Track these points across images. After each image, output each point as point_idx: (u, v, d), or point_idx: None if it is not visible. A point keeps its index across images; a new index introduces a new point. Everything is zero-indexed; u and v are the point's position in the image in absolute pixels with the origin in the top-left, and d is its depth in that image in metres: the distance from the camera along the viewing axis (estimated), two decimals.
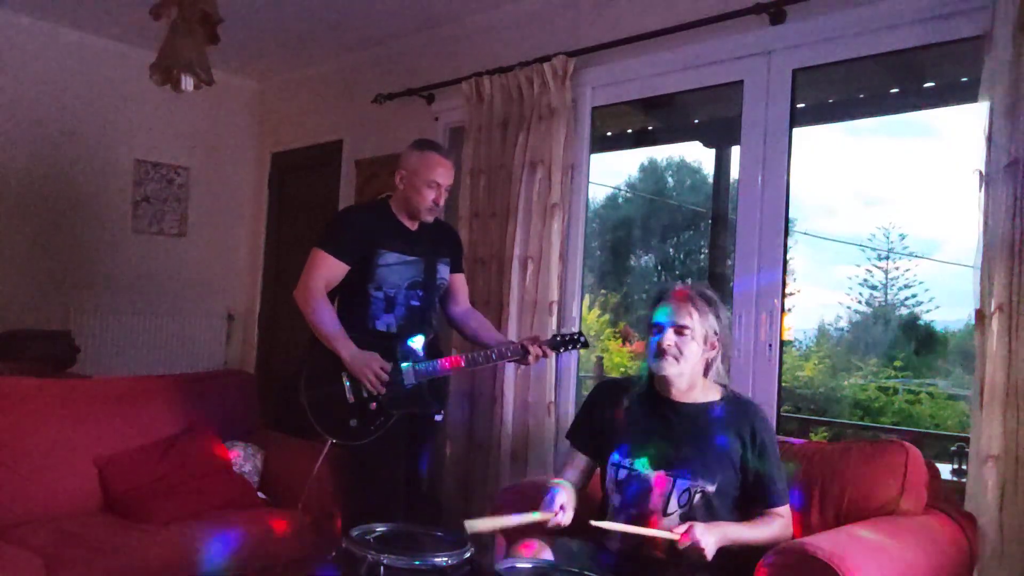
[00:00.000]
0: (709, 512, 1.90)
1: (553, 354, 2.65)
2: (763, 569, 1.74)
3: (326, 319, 2.48)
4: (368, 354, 2.44)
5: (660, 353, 1.99)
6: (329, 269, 2.52)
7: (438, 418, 2.72)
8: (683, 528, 1.80)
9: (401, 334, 2.56)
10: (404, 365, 2.49)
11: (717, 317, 2.02)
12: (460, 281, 2.83)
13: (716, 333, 2.01)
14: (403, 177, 2.61)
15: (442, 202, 2.62)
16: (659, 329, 2.01)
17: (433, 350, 2.62)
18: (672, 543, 1.81)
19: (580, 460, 2.14)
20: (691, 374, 2.01)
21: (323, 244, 2.54)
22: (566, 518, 1.93)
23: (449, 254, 2.74)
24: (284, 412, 3.73)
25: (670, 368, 1.99)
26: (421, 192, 2.57)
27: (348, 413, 2.47)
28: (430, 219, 2.65)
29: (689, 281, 2.14)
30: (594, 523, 1.87)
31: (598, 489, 2.15)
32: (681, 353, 1.98)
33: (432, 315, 2.69)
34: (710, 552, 1.77)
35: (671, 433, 1.98)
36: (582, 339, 2.59)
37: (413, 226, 2.65)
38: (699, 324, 1.99)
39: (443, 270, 2.70)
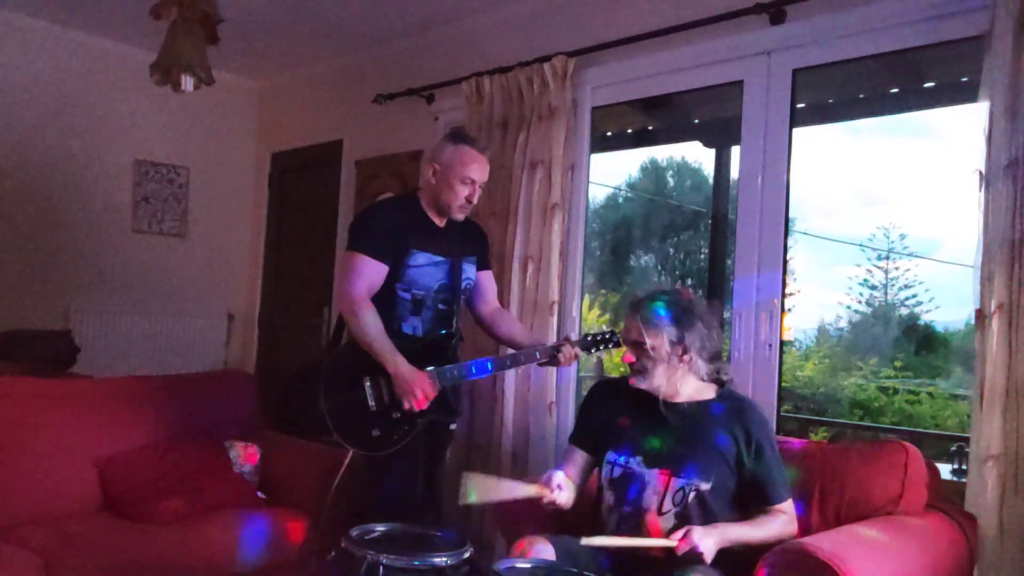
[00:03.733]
0: (704, 510, 1.90)
1: (584, 355, 2.53)
2: (763, 569, 1.74)
3: (373, 329, 2.33)
4: (418, 374, 2.32)
5: (628, 367, 2.01)
6: (370, 272, 2.38)
7: (453, 427, 2.63)
8: (680, 534, 1.79)
9: (428, 337, 2.47)
10: (430, 370, 2.37)
11: (677, 324, 1.95)
12: (488, 279, 2.71)
13: (679, 342, 1.95)
14: (436, 171, 2.48)
15: (475, 200, 2.51)
16: (623, 341, 2.03)
17: (456, 354, 2.54)
18: (671, 548, 1.81)
19: (578, 457, 2.14)
20: (670, 383, 1.98)
21: (360, 246, 2.40)
22: (563, 497, 1.92)
23: (475, 252, 2.63)
24: (293, 413, 3.70)
25: (640, 383, 1.99)
26: (455, 188, 2.45)
27: (370, 422, 2.35)
28: (461, 217, 2.53)
29: (649, 287, 2.06)
30: (585, 541, 1.82)
31: (594, 486, 2.15)
32: (645, 368, 1.97)
33: (458, 318, 2.59)
34: (709, 556, 1.77)
35: (666, 431, 1.97)
36: (615, 338, 2.47)
37: (441, 223, 2.53)
38: (651, 339, 1.95)
39: (469, 269, 2.60)
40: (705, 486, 1.90)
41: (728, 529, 1.85)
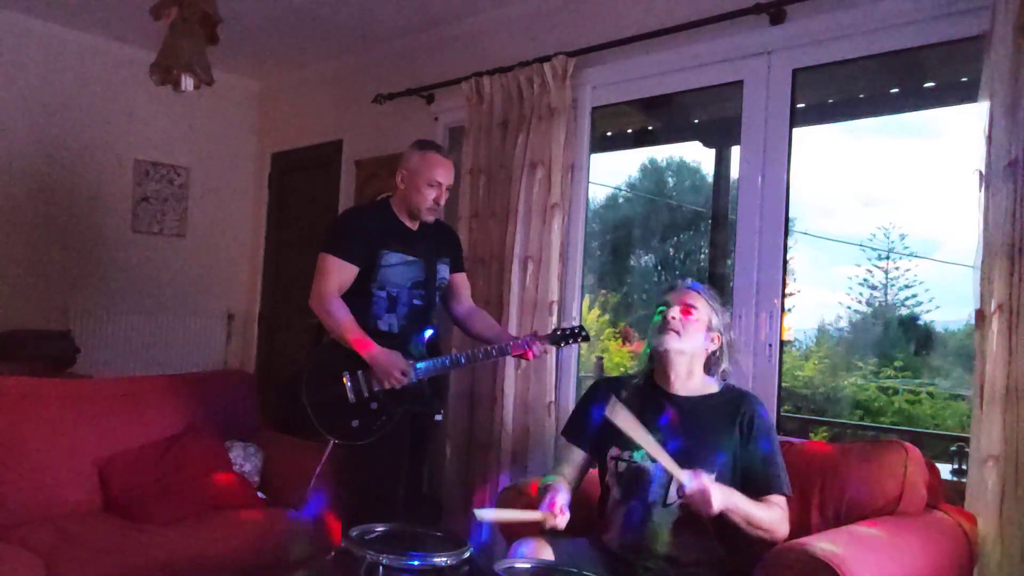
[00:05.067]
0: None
1: (554, 348, 2.66)
2: (762, 569, 1.74)
3: (344, 323, 2.47)
4: (392, 354, 2.45)
5: (663, 327, 2.03)
6: (340, 273, 2.52)
7: (438, 418, 2.73)
8: (690, 474, 1.78)
9: (403, 333, 2.57)
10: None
11: (722, 315, 2.09)
12: (462, 280, 2.85)
13: (720, 329, 2.06)
14: (404, 177, 2.63)
15: (443, 202, 2.64)
16: (666, 306, 2.06)
17: (433, 348, 2.64)
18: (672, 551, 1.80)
19: (577, 456, 2.14)
20: (691, 357, 2.03)
21: (331, 248, 2.54)
22: (562, 521, 1.91)
23: (449, 254, 2.76)
24: (285, 412, 3.73)
25: (672, 342, 2.01)
26: (422, 191, 2.58)
27: (350, 413, 2.48)
28: (431, 219, 2.66)
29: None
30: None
31: (594, 486, 2.15)
32: (684, 329, 2.01)
33: (433, 313, 2.70)
34: (716, 504, 1.75)
35: (669, 424, 1.98)
36: (583, 332, 2.62)
37: (414, 226, 2.66)
38: (705, 309, 2.05)
39: (443, 270, 2.71)
40: (709, 477, 1.90)
41: (733, 494, 1.83)
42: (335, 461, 2.66)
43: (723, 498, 1.78)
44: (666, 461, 1.83)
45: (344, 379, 2.49)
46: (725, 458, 1.93)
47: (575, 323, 2.64)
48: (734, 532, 1.86)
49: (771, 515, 1.87)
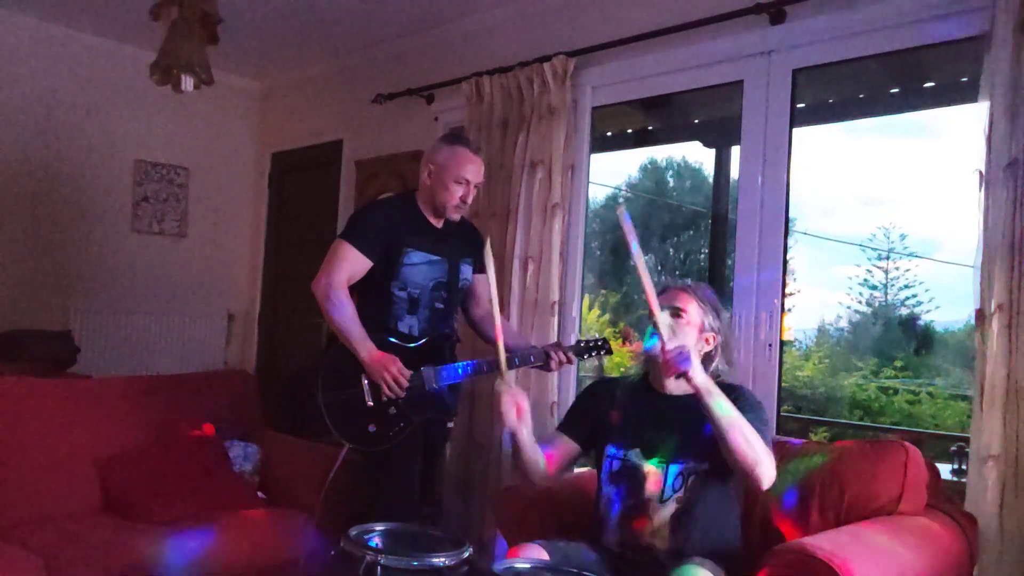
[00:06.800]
0: (705, 489, 1.91)
1: (577, 360, 2.56)
2: (763, 569, 1.74)
3: (346, 315, 2.36)
4: (387, 356, 2.35)
5: (652, 331, 2.00)
6: (354, 264, 2.41)
7: (450, 425, 2.65)
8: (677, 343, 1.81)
9: (423, 336, 2.48)
10: (425, 369, 2.41)
11: (717, 315, 2.04)
12: (483, 282, 2.72)
13: (713, 329, 2.03)
14: (431, 172, 2.52)
15: (470, 200, 2.54)
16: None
17: (452, 354, 2.56)
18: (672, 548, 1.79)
19: (567, 444, 2.12)
20: None
21: (348, 236, 2.43)
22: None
23: (472, 254, 2.65)
24: (293, 412, 3.70)
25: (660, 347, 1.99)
26: (449, 188, 2.48)
27: (367, 418, 2.38)
28: (456, 217, 2.56)
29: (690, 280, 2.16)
30: None
31: (593, 487, 2.15)
32: (674, 334, 1.97)
33: (454, 318, 2.62)
34: (696, 373, 1.78)
35: (663, 423, 1.98)
36: (607, 346, 2.52)
37: (439, 223, 2.56)
38: (696, 311, 2.01)
39: (466, 270, 2.62)
40: (703, 466, 1.91)
41: (714, 386, 1.82)
42: (348, 466, 2.61)
43: (705, 377, 1.80)
44: (662, 322, 1.85)
45: (363, 380, 2.39)
46: (716, 448, 1.92)
47: (597, 335, 2.53)
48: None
49: (756, 435, 1.80)
